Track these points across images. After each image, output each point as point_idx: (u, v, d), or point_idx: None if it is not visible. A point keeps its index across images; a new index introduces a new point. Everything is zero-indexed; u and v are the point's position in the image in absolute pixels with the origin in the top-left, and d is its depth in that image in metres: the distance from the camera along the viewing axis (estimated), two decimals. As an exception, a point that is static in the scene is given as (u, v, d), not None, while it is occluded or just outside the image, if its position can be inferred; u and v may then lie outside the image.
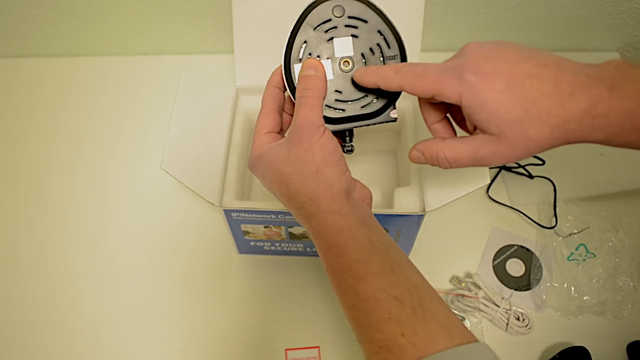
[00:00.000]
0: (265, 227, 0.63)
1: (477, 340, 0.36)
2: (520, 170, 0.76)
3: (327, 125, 0.42)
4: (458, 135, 0.43)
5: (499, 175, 0.78)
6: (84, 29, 0.88)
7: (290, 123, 0.46)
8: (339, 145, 0.42)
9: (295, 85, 0.42)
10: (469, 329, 0.65)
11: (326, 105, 0.43)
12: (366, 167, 0.75)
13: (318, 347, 0.66)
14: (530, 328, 0.65)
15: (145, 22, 0.87)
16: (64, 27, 0.88)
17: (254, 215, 0.60)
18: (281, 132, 0.46)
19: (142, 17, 0.85)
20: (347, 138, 0.44)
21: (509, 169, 0.77)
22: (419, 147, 0.43)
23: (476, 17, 0.84)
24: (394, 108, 0.44)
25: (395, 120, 0.44)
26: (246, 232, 0.65)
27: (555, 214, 0.73)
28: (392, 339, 0.35)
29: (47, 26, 0.87)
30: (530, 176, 0.76)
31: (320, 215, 0.40)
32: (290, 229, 0.64)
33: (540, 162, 0.75)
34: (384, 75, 0.41)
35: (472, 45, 0.39)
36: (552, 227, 0.72)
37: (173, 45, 0.91)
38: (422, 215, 0.58)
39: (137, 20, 0.86)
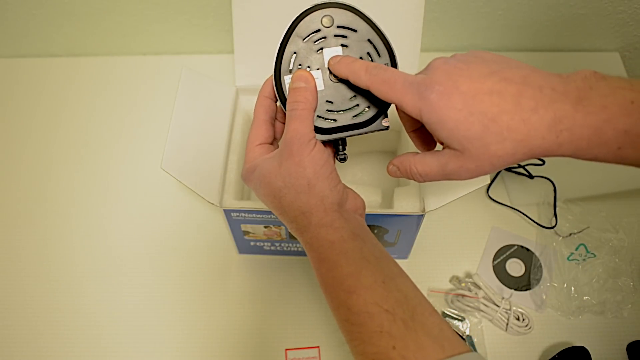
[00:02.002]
0: (265, 227, 0.63)
1: (468, 351, 0.36)
2: (520, 170, 0.76)
3: (319, 135, 0.43)
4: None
5: (499, 175, 0.78)
6: (84, 29, 0.88)
7: (283, 131, 0.46)
8: (331, 158, 0.42)
9: (286, 97, 0.42)
10: (469, 329, 0.65)
11: (318, 116, 0.43)
12: (366, 167, 0.75)
13: (318, 347, 0.66)
14: (530, 328, 0.65)
15: (145, 22, 0.87)
16: (64, 27, 0.88)
17: (254, 215, 0.60)
18: (274, 141, 0.46)
19: (142, 17, 0.85)
20: (340, 147, 0.44)
21: (509, 169, 0.77)
22: (394, 162, 0.43)
23: (476, 17, 0.84)
24: (386, 116, 0.44)
25: (387, 128, 0.44)
26: (246, 232, 0.65)
27: (555, 214, 0.73)
28: (384, 353, 0.36)
29: (47, 26, 0.88)
30: (530, 176, 0.76)
31: (312, 229, 0.41)
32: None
33: (540, 162, 0.75)
34: (355, 71, 0.41)
35: (437, 62, 0.39)
36: (552, 227, 0.72)
37: (173, 45, 0.91)
38: (422, 215, 0.58)
39: (137, 20, 0.86)
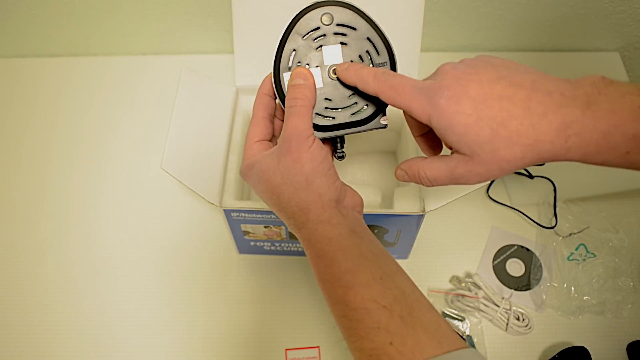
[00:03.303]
0: (265, 227, 0.63)
1: (466, 347, 0.36)
2: (521, 170, 0.76)
3: (317, 133, 0.43)
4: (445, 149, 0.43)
5: (499, 175, 0.78)
6: (84, 29, 0.88)
7: (282, 129, 0.46)
8: (329, 155, 0.42)
9: (285, 94, 0.43)
10: (469, 329, 0.65)
11: (316, 113, 0.43)
12: (366, 167, 0.75)
13: (318, 347, 0.66)
14: (530, 328, 0.65)
15: (145, 22, 0.87)
16: (64, 27, 0.88)
17: (254, 215, 0.60)
18: (273, 138, 0.47)
19: (142, 17, 0.85)
20: (338, 145, 0.45)
21: (509, 169, 0.77)
22: (402, 167, 0.43)
23: (476, 17, 0.84)
24: (384, 115, 0.44)
25: (385, 127, 0.44)
26: (246, 232, 0.65)
27: (555, 214, 0.73)
28: (381, 348, 0.36)
29: (47, 26, 0.88)
30: (530, 176, 0.76)
31: (310, 226, 0.41)
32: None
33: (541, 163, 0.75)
34: (363, 78, 0.41)
35: (446, 67, 0.39)
36: (552, 227, 0.72)
37: (173, 45, 0.91)
38: (422, 215, 0.58)
39: (137, 20, 0.86)
